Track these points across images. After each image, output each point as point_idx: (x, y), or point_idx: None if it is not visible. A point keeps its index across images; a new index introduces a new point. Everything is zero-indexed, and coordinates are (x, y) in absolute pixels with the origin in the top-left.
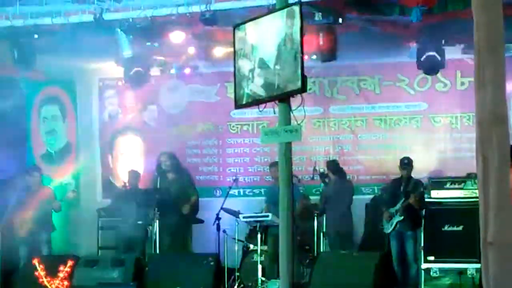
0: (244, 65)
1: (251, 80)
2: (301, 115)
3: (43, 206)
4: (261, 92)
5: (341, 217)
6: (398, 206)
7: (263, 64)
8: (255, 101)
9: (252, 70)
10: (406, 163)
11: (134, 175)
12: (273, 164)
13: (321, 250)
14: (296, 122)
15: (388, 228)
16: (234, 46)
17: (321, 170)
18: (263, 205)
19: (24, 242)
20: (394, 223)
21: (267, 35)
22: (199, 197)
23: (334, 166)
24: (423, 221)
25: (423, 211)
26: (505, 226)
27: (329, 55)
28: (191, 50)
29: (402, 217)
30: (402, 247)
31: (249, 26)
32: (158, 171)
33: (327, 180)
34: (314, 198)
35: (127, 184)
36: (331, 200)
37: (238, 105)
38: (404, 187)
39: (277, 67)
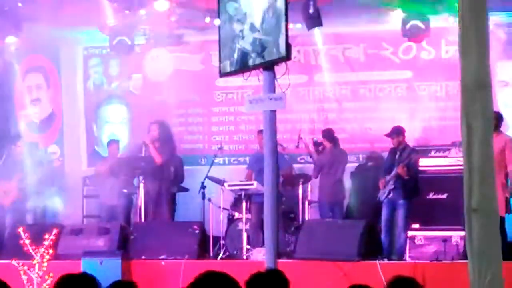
0: (237, 28)
1: (242, 38)
2: (286, 83)
3: (28, 175)
4: (248, 47)
5: (335, 185)
6: (392, 174)
7: (252, 28)
8: (243, 57)
9: (242, 31)
10: (392, 132)
11: (113, 144)
12: (261, 131)
13: (306, 218)
14: (281, 90)
15: (382, 196)
16: (218, 12)
17: (315, 139)
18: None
19: (9, 211)
20: (387, 191)
21: (256, 3)
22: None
23: (329, 134)
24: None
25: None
26: (489, 193)
27: (314, 23)
28: (176, 18)
29: (393, 186)
30: (393, 215)
31: None
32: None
33: (320, 149)
34: (298, 167)
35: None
36: (325, 168)
37: (222, 74)
38: (399, 156)
39: (262, 33)
